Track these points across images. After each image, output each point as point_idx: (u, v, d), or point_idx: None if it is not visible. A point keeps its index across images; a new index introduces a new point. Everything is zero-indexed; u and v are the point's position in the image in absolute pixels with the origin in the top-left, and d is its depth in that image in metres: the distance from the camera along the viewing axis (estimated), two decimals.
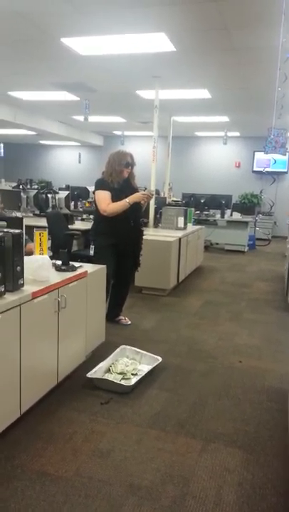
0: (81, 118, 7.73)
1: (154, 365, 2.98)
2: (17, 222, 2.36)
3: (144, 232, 3.92)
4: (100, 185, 3.56)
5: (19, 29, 4.46)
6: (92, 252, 3.69)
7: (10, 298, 2.07)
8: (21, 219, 2.30)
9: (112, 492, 1.84)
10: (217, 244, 9.00)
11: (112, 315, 3.92)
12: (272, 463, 2.09)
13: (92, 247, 3.71)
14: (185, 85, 6.55)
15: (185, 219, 5.88)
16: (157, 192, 7.78)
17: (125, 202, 3.48)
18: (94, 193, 3.66)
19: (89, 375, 2.74)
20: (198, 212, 8.47)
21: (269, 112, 4.91)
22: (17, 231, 2.17)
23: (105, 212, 3.50)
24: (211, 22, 4.06)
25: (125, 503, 1.78)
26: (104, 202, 3.50)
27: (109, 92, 7.16)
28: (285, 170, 11.35)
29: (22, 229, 2.22)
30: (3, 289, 2.06)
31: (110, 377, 2.79)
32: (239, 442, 2.24)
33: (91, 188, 8.09)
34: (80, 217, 6.23)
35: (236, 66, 5.44)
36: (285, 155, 4.68)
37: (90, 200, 8.25)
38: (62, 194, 6.34)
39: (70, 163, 13.69)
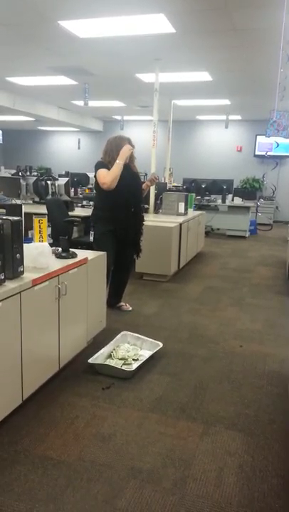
0: (80, 103, 7.64)
1: (155, 351, 3.00)
2: (16, 210, 2.35)
3: (145, 218, 3.89)
4: (100, 165, 3.51)
5: (15, 11, 4.36)
6: (91, 239, 3.68)
7: (10, 285, 2.07)
8: (20, 206, 2.28)
9: (114, 475, 1.86)
10: (218, 229, 8.97)
11: (113, 301, 3.93)
12: (272, 446, 2.11)
13: (91, 233, 3.69)
14: (185, 68, 6.44)
15: (186, 204, 5.84)
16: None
17: (116, 163, 3.40)
18: (95, 176, 3.60)
19: (90, 360, 2.76)
20: (199, 197, 8.42)
21: (271, 94, 4.83)
22: (16, 218, 2.15)
23: (105, 183, 3.41)
24: (211, 2, 3.95)
25: (127, 486, 1.81)
26: (104, 175, 3.45)
27: (109, 75, 7.05)
28: (288, 154, 11.22)
29: (21, 216, 2.21)
30: (3, 277, 2.05)
31: (112, 362, 2.81)
32: (240, 426, 2.26)
33: (91, 174, 8.05)
34: (80, 204, 6.21)
35: (237, 48, 5.33)
36: (287, 138, 4.61)
37: (90, 186, 8.20)
38: (62, 181, 6.29)
39: (69, 149, 13.58)
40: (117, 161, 3.41)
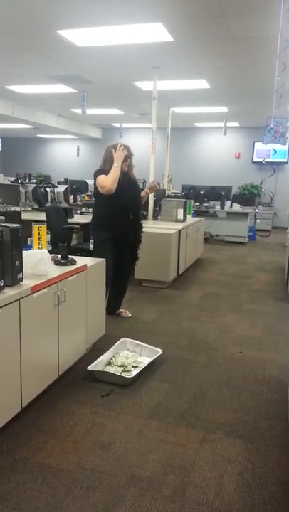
0: (79, 111, 7.68)
1: (154, 357, 2.99)
2: (15, 217, 2.36)
3: (144, 225, 3.90)
4: (99, 172, 3.55)
5: (15, 21, 4.41)
6: (91, 246, 3.68)
7: (9, 292, 2.07)
8: (19, 213, 2.29)
9: (114, 483, 1.85)
10: (217, 235, 8.99)
11: (113, 308, 3.93)
12: (272, 452, 2.10)
13: (91, 241, 3.70)
14: (183, 76, 6.49)
15: (184, 211, 5.86)
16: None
17: (114, 166, 3.44)
18: (94, 184, 3.62)
19: (90, 367, 2.75)
20: (197, 204, 8.44)
21: (268, 101, 4.88)
22: (15, 225, 2.16)
23: (106, 186, 3.44)
24: (208, 11, 4.00)
25: (126, 493, 1.80)
26: (103, 179, 3.47)
27: (107, 83, 7.11)
28: (286, 160, 11.29)
29: (20, 223, 2.21)
30: (2, 284, 2.06)
31: (111, 369, 2.80)
32: (239, 432, 2.26)
33: (90, 182, 8.07)
34: (79, 211, 6.22)
35: (235, 56, 5.39)
36: (285, 144, 4.65)
37: (89, 193, 8.22)
38: (61, 188, 6.31)
39: (68, 157, 13.63)
40: (114, 164, 3.45)
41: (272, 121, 4.18)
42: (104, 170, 3.52)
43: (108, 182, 3.44)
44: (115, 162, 3.46)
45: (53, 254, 2.81)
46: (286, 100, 4.45)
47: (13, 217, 2.33)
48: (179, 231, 5.21)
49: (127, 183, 3.56)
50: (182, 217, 5.76)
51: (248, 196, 10.62)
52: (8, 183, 7.58)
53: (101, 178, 3.50)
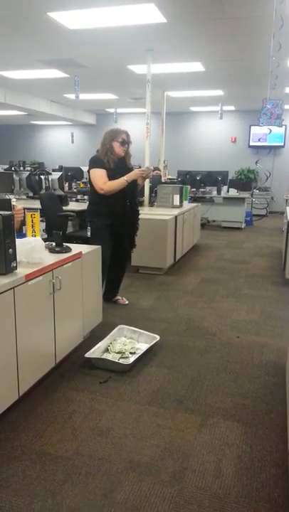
0: (72, 96, 7.56)
1: (152, 344, 2.99)
2: (5, 204, 2.32)
3: (140, 211, 3.86)
4: (95, 163, 3.48)
5: (3, 4, 4.29)
6: (89, 234, 3.65)
7: (3, 281, 2.04)
8: (9, 200, 2.24)
9: (112, 469, 1.86)
10: (214, 221, 8.96)
11: (110, 295, 3.92)
12: (270, 435, 2.11)
13: (88, 228, 3.66)
14: (178, 58, 6.37)
15: (181, 197, 5.81)
16: (157, 168, 7.66)
17: (123, 180, 3.42)
18: (88, 171, 3.56)
19: (87, 355, 2.75)
20: (194, 189, 8.37)
21: (264, 83, 4.80)
22: (7, 213, 2.12)
23: (102, 190, 3.42)
24: None
25: (125, 479, 1.80)
26: (101, 180, 3.42)
27: (100, 67, 6.97)
28: (282, 144, 11.20)
29: (11, 211, 2.18)
30: None
31: (109, 356, 2.80)
32: (237, 416, 2.26)
33: (85, 168, 7.98)
34: (74, 198, 6.16)
35: (229, 37, 5.28)
36: (281, 126, 4.59)
37: (84, 180, 8.14)
38: (56, 175, 6.24)
39: (62, 143, 13.47)
40: (125, 178, 3.43)
41: (267, 103, 4.12)
42: (102, 160, 3.44)
43: (106, 189, 3.41)
44: (127, 177, 3.42)
45: (47, 242, 2.78)
46: (282, 81, 4.38)
47: (2, 205, 2.28)
48: (176, 217, 5.17)
49: (124, 170, 3.51)
50: (178, 203, 5.71)
51: (245, 181, 10.55)
52: (2, 170, 7.48)
53: (100, 178, 3.42)
